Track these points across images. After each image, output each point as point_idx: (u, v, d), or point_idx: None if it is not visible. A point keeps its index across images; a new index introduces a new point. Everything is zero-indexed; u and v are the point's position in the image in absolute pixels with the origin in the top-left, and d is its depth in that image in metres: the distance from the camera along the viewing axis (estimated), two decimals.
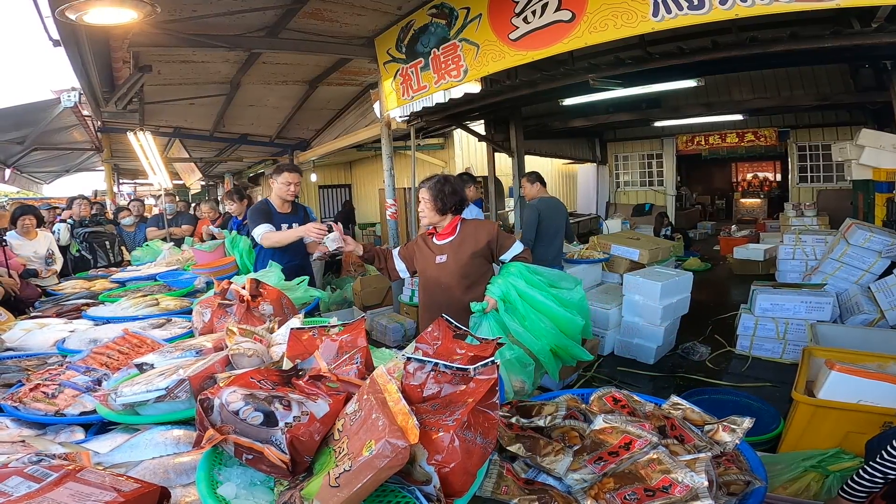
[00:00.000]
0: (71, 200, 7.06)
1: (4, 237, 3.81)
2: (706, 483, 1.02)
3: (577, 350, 2.42)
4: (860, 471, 1.50)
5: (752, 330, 4.23)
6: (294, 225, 3.62)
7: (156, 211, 7.87)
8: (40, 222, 4.60)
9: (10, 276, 3.50)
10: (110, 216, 7.95)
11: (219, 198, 13.73)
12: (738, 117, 9.47)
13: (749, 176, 15.55)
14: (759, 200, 14.37)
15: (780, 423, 2.74)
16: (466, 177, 4.87)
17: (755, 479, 1.14)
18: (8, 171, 9.97)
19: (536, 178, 4.68)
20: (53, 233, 5.39)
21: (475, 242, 2.57)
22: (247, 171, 13.16)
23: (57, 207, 8.20)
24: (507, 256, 2.59)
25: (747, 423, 1.25)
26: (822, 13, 3.10)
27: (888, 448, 1.43)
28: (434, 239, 2.68)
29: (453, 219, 2.64)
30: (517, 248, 2.60)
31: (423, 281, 2.75)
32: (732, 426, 1.25)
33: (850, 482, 1.54)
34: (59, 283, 4.12)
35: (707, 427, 1.29)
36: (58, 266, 4.45)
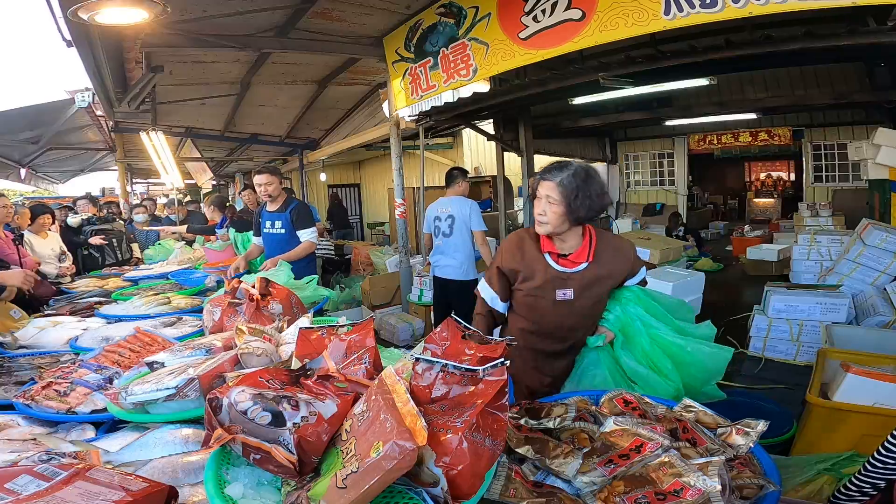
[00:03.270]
0: (75, 200, 7.16)
1: (21, 235, 3.86)
2: (719, 487, 1.01)
3: (712, 389, 1.86)
4: (847, 482, 1.47)
5: (765, 331, 4.18)
6: (276, 223, 3.85)
7: (169, 213, 7.97)
8: (53, 221, 4.69)
9: None
10: (124, 215, 8.06)
11: (230, 196, 13.86)
12: (752, 116, 9.37)
13: (762, 175, 15.39)
14: (772, 200, 14.22)
15: (792, 426, 2.70)
16: (457, 172, 4.39)
17: (769, 483, 1.12)
18: (23, 171, 10.12)
19: None
20: (71, 218, 5.52)
21: (612, 275, 1.93)
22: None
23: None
24: (632, 283, 2.00)
25: (761, 426, 1.23)
26: (838, 11, 3.04)
27: (871, 458, 1.40)
28: (555, 262, 1.89)
29: (584, 234, 1.90)
30: (643, 273, 2.03)
31: (527, 314, 2.00)
32: (746, 429, 1.23)
33: (837, 493, 1.50)
34: (73, 281, 4.18)
35: (720, 430, 1.27)
36: (69, 262, 4.51)
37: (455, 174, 4.36)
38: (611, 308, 1.95)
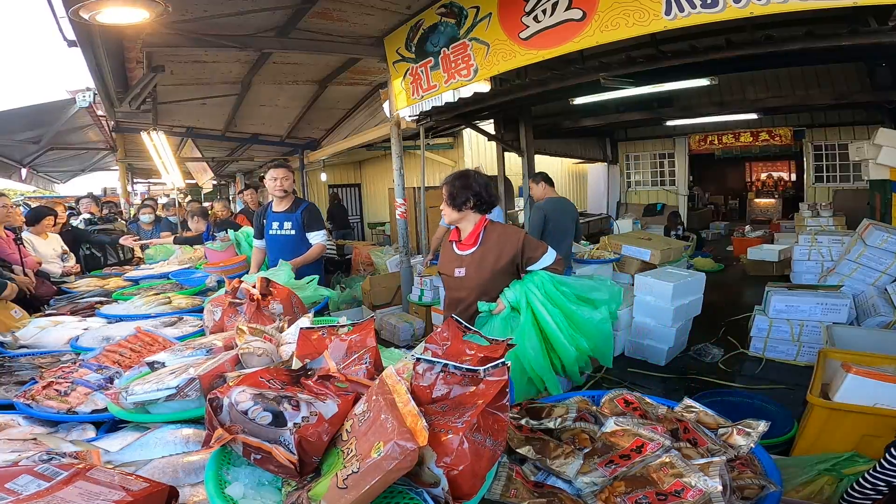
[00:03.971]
0: (78, 200, 7.17)
1: (21, 235, 3.86)
2: (720, 487, 1.01)
3: (550, 382, 2.19)
4: (860, 479, 1.47)
5: (766, 332, 4.17)
6: (286, 224, 3.68)
7: (168, 214, 7.98)
8: (55, 222, 4.70)
9: (24, 274, 3.54)
10: (125, 215, 8.07)
11: (230, 196, 13.89)
12: (753, 116, 9.37)
13: (763, 176, 15.38)
14: (773, 200, 14.22)
15: (793, 426, 2.70)
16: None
17: (770, 484, 1.12)
18: (24, 171, 10.11)
19: (542, 178, 4.67)
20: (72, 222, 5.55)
21: (497, 257, 2.36)
22: (258, 171, 13.26)
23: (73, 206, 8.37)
24: (535, 268, 2.36)
25: (762, 426, 1.22)
26: (839, 11, 3.04)
27: (886, 456, 1.40)
28: (455, 247, 2.49)
29: (477, 223, 2.43)
30: (547, 259, 2.35)
31: (446, 288, 2.62)
32: (747, 430, 1.22)
33: (850, 490, 1.50)
34: (74, 280, 4.18)
35: (721, 430, 1.27)
36: (73, 261, 4.52)
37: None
38: (513, 285, 2.31)
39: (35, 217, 4.42)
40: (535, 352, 2.16)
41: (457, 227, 2.50)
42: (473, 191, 2.38)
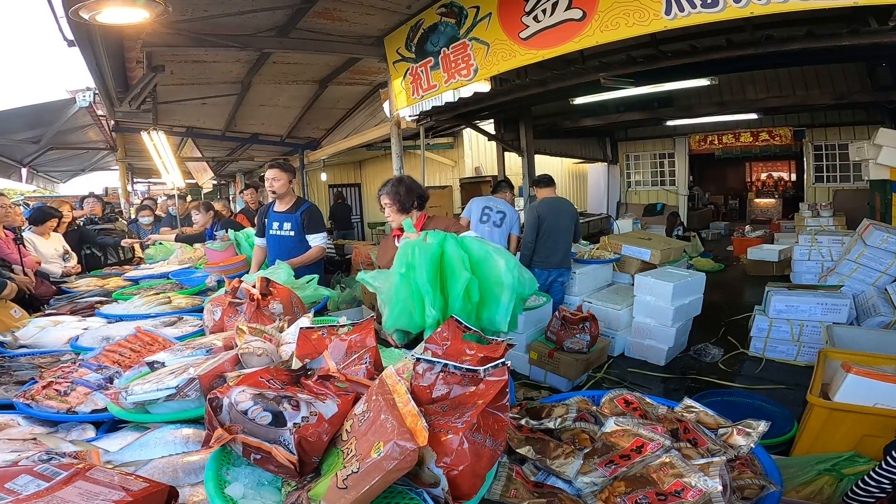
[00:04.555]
0: (82, 199, 7.17)
1: (21, 235, 3.86)
2: (720, 487, 1.01)
3: (429, 298, 2.09)
4: (865, 477, 1.47)
5: (766, 332, 4.17)
6: (285, 224, 3.66)
7: (170, 205, 7.97)
8: (58, 224, 4.69)
9: (24, 273, 3.54)
10: (124, 214, 8.07)
11: (230, 196, 13.89)
12: (753, 116, 9.36)
13: (763, 176, 15.38)
14: (773, 200, 14.21)
15: (793, 426, 2.70)
16: (505, 183, 5.23)
17: (770, 484, 1.12)
18: (24, 171, 10.12)
19: (537, 181, 4.70)
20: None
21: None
22: (258, 171, 13.28)
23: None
24: None
25: (763, 426, 1.22)
26: (839, 11, 3.05)
27: (893, 453, 1.40)
28: (397, 241, 2.59)
29: (419, 218, 2.64)
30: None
31: None
32: (747, 430, 1.22)
33: (854, 489, 1.50)
34: (74, 280, 4.18)
35: (721, 430, 1.26)
36: (74, 261, 4.52)
37: (503, 185, 5.19)
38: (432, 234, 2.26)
39: (39, 218, 4.41)
40: (428, 275, 2.05)
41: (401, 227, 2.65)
42: (416, 193, 2.62)
